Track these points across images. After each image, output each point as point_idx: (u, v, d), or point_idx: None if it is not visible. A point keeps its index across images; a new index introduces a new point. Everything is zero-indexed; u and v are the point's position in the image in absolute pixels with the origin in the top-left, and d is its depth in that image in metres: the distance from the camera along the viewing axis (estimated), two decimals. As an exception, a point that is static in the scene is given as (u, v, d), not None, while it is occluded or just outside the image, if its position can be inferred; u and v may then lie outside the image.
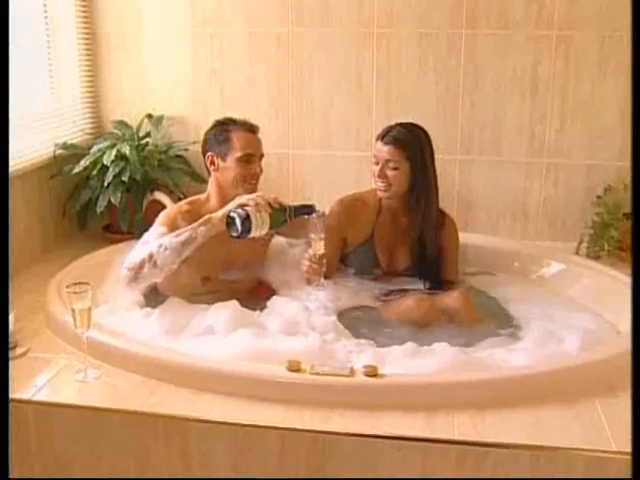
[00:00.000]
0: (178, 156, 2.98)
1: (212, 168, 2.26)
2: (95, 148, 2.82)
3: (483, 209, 2.94)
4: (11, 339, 1.93)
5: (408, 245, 2.40)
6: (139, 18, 2.99)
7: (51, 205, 2.83)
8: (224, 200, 2.19)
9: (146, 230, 2.20)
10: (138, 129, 2.96)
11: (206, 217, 2.10)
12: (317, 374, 1.71)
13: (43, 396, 1.74)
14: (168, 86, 3.04)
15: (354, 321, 2.19)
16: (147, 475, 1.69)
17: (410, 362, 1.83)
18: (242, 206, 2.03)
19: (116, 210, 2.77)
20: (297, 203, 2.13)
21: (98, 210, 2.76)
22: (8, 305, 1.67)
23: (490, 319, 2.22)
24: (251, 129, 2.26)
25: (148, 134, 2.96)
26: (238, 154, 2.20)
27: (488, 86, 2.83)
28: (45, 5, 2.83)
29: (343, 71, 2.90)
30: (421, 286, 2.39)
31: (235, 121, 2.27)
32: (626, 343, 1.56)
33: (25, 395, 1.72)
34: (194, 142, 2.84)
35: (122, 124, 3.00)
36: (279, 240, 2.52)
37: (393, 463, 1.57)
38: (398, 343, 1.96)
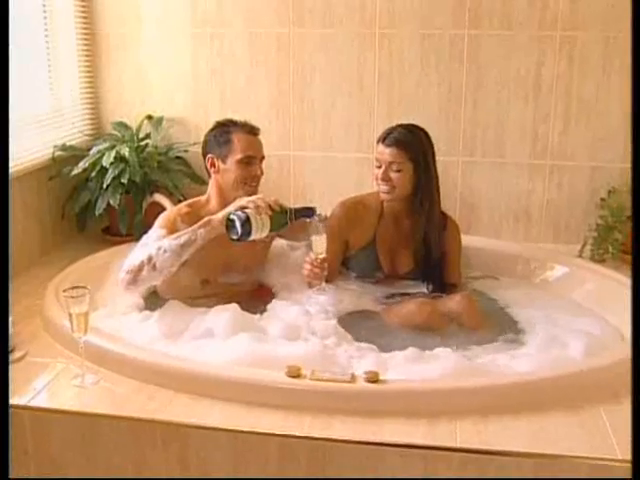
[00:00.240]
0: (178, 157, 2.97)
1: (212, 170, 2.24)
2: (94, 150, 2.81)
3: (486, 211, 2.92)
4: (9, 342, 1.91)
5: (410, 248, 2.38)
6: (139, 19, 2.97)
7: (50, 207, 2.81)
8: (224, 202, 2.18)
9: (145, 232, 2.18)
10: (138, 130, 2.94)
11: (206, 219, 2.08)
12: (317, 380, 1.69)
13: (40, 401, 1.72)
14: (168, 87, 3.03)
15: (356, 325, 2.16)
16: (145, 482, 1.67)
17: (412, 368, 1.81)
18: (242, 208, 2.01)
19: (115, 212, 2.76)
20: (298, 205, 2.12)
21: (97, 212, 2.74)
22: (8, 309, 1.66)
23: (493, 323, 2.20)
24: (252, 131, 2.25)
25: (148, 135, 2.95)
26: (238, 156, 2.18)
27: (491, 87, 2.81)
28: (44, 5, 2.82)
29: (344, 72, 2.88)
30: (423, 289, 2.38)
31: (236, 123, 2.25)
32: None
33: (22, 400, 1.70)
34: (194, 143, 2.83)
35: (122, 125, 2.98)
36: (280, 243, 2.51)
37: (394, 471, 1.55)
38: (400, 347, 1.94)
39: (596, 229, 2.67)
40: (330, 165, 2.98)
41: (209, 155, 2.23)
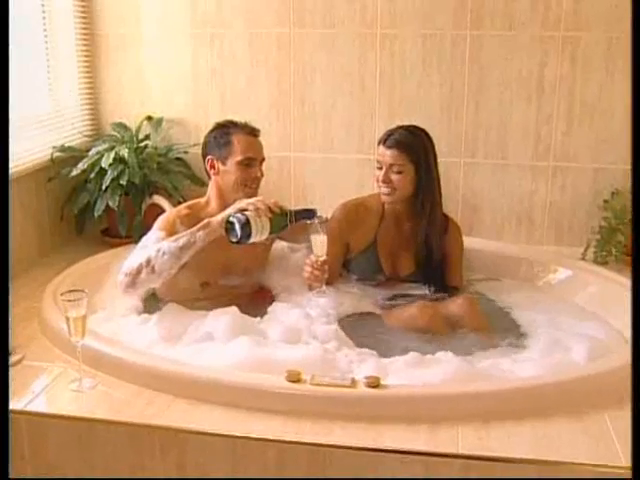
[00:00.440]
0: (178, 159, 2.95)
1: (212, 172, 2.22)
2: (93, 151, 2.80)
3: (488, 213, 2.91)
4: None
5: (411, 250, 2.36)
6: (138, 19, 2.96)
7: (48, 208, 2.80)
8: (224, 204, 2.16)
9: (145, 234, 2.17)
10: (137, 131, 2.93)
11: (205, 221, 2.06)
12: (318, 385, 1.67)
13: (37, 406, 1.70)
14: (168, 88, 3.02)
15: (356, 328, 2.15)
16: (142, 488, 1.66)
17: (413, 372, 1.79)
18: (242, 211, 1.99)
19: (114, 214, 2.74)
20: (298, 207, 2.10)
21: (96, 214, 2.72)
22: (8, 313, 1.64)
23: (495, 327, 2.18)
24: (252, 132, 2.23)
25: (147, 136, 2.94)
26: (238, 158, 2.17)
27: (493, 88, 2.79)
28: (43, 5, 2.80)
29: (345, 72, 2.87)
30: (425, 292, 2.36)
31: (236, 124, 2.24)
32: (635, 353, 1.52)
33: (18, 405, 1.68)
34: (194, 145, 2.81)
35: (121, 126, 2.97)
36: (280, 245, 2.49)
37: (395, 477, 1.53)
38: (401, 351, 1.93)
39: (599, 231, 2.65)
40: (331, 166, 2.96)
41: (209, 157, 2.22)
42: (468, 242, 2.48)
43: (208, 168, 2.23)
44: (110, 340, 1.93)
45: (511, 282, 2.53)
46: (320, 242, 2.06)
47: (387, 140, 2.24)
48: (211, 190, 2.25)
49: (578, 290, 2.42)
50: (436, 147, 2.29)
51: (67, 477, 1.69)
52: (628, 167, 2.69)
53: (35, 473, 1.70)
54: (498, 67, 2.76)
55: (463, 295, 2.26)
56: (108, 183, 2.68)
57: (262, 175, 2.22)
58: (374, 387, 1.66)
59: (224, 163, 2.19)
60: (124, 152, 2.72)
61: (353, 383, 1.68)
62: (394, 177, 2.23)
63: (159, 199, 2.76)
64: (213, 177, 2.23)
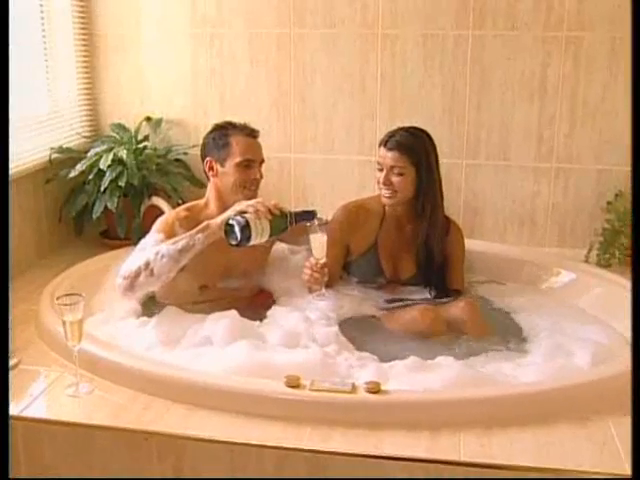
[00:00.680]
0: (177, 160, 2.94)
1: (211, 173, 2.20)
2: (92, 152, 2.78)
3: (490, 215, 2.89)
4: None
5: (413, 253, 2.34)
6: (137, 19, 2.94)
7: (47, 210, 2.78)
8: (223, 206, 2.15)
9: (144, 236, 2.15)
10: (136, 132, 2.91)
11: (204, 224, 2.04)
12: (317, 390, 1.65)
13: (32, 411, 1.68)
14: (167, 88, 3.00)
15: (357, 332, 2.13)
16: (139, 495, 1.63)
17: (414, 377, 1.77)
18: (241, 213, 1.98)
19: (113, 216, 2.72)
20: (298, 209, 2.08)
21: (94, 216, 2.71)
22: (8, 318, 1.62)
23: (497, 331, 2.16)
24: (251, 133, 2.21)
25: (146, 137, 2.92)
26: (237, 159, 2.15)
27: (495, 89, 2.77)
28: (42, 5, 2.79)
29: (346, 73, 2.85)
30: (426, 295, 2.34)
31: (235, 125, 2.22)
32: None
33: (14, 410, 1.66)
34: (193, 146, 2.79)
35: (120, 127, 2.95)
36: (280, 247, 2.48)
37: (396, 485, 1.51)
38: (402, 355, 1.90)
39: (602, 233, 2.63)
40: (331, 168, 2.94)
41: (207, 158, 2.20)
42: (470, 244, 2.46)
43: (207, 170, 2.21)
44: (107, 344, 1.91)
45: (513, 285, 2.51)
46: (319, 242, 2.04)
47: (388, 142, 2.21)
48: (210, 192, 2.23)
49: (581, 293, 2.40)
50: (437, 148, 2.27)
51: (68, 477, 1.67)
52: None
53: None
54: (500, 67, 2.74)
55: (465, 298, 2.24)
56: (106, 185, 2.66)
57: (261, 177, 2.20)
58: (374, 393, 1.64)
59: (223, 165, 2.17)
60: (123, 153, 2.71)
61: (353, 389, 1.66)
62: (395, 179, 2.21)
63: (158, 201, 2.74)
64: (212, 179, 2.21)
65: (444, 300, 2.28)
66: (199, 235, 2.02)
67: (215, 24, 2.88)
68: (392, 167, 2.20)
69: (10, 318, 1.97)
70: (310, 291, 2.19)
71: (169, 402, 1.69)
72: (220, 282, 2.25)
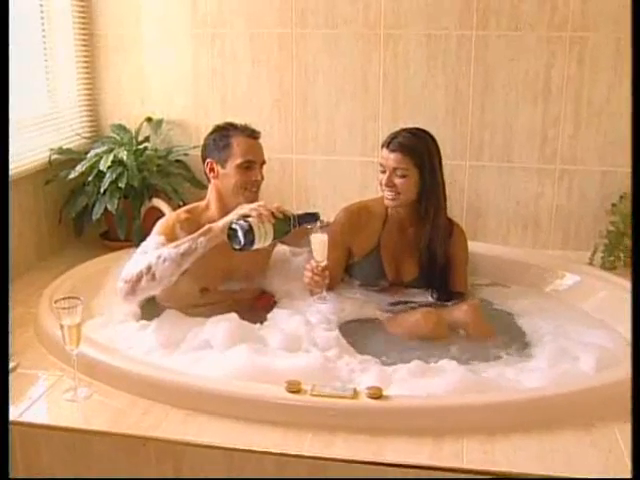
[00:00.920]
0: (178, 161, 2.92)
1: (211, 175, 2.18)
2: (92, 153, 2.76)
3: (493, 217, 2.86)
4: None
5: (415, 255, 2.33)
6: (138, 19, 2.93)
7: (46, 211, 2.77)
8: (224, 208, 2.13)
9: (145, 238, 2.13)
10: (137, 133, 2.89)
11: (206, 227, 2.02)
12: (318, 396, 1.63)
13: (30, 416, 1.66)
14: (168, 89, 2.98)
15: (358, 335, 2.12)
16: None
17: (416, 382, 1.75)
18: (244, 217, 1.96)
19: (113, 217, 2.70)
20: (301, 212, 2.06)
21: (94, 217, 2.69)
22: (8, 321, 1.60)
23: (501, 334, 2.14)
24: (252, 134, 2.19)
25: (147, 138, 2.91)
26: (238, 160, 2.13)
27: (499, 89, 2.75)
28: (41, 5, 2.77)
29: (348, 73, 2.83)
30: (429, 298, 2.33)
31: (235, 126, 2.20)
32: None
33: (11, 415, 1.63)
34: (194, 147, 2.77)
35: (120, 128, 2.94)
36: (282, 248, 2.46)
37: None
38: (404, 359, 1.89)
39: (607, 236, 2.61)
40: (333, 169, 2.92)
41: (208, 160, 2.18)
42: (473, 246, 2.44)
43: (208, 171, 2.19)
44: (106, 348, 1.89)
45: (517, 288, 2.49)
46: (320, 242, 2.02)
47: (391, 143, 2.20)
48: (211, 194, 2.21)
49: (585, 296, 2.37)
50: (441, 150, 2.25)
51: (69, 477, 1.65)
52: (637, 170, 2.64)
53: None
54: (504, 68, 2.72)
55: (468, 301, 2.22)
56: (107, 186, 2.65)
57: (262, 178, 2.18)
58: (376, 398, 1.62)
59: (224, 166, 2.15)
60: (123, 154, 2.69)
61: (355, 394, 1.64)
62: (398, 181, 2.19)
63: (158, 202, 2.72)
64: (213, 180, 2.19)
65: (447, 303, 2.27)
66: (201, 239, 1.99)
67: (216, 24, 2.86)
68: (395, 169, 2.18)
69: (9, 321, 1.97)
70: (311, 294, 2.17)
71: (168, 407, 1.68)
72: (221, 285, 2.23)
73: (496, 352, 2.01)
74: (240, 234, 1.90)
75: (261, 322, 2.11)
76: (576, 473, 1.45)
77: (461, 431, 1.57)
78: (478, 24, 2.69)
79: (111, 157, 2.67)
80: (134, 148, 2.80)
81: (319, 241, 2.02)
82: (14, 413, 1.65)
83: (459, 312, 2.14)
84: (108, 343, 1.94)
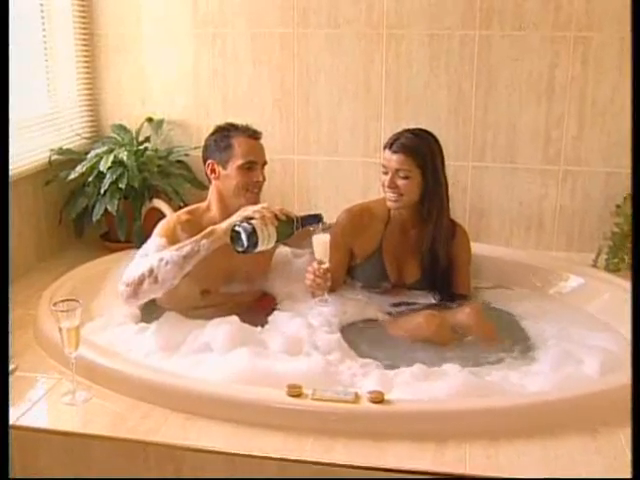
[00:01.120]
0: (178, 162, 2.91)
1: (213, 176, 2.17)
2: (92, 153, 2.75)
3: (496, 218, 2.85)
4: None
5: (418, 257, 2.31)
6: (139, 18, 2.92)
7: (46, 212, 2.76)
8: (225, 209, 2.12)
9: (145, 239, 2.12)
10: (137, 133, 2.88)
11: (209, 229, 2.00)
12: (319, 400, 1.62)
13: (28, 420, 1.65)
14: (169, 89, 2.97)
15: (360, 337, 2.10)
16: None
17: (419, 386, 1.74)
18: (247, 219, 1.94)
19: (114, 218, 2.69)
20: (303, 213, 2.06)
21: (94, 218, 2.68)
22: (8, 323, 1.59)
23: (504, 337, 2.12)
24: (253, 135, 2.17)
25: (147, 139, 2.90)
26: (239, 161, 2.11)
27: (502, 89, 2.73)
28: (42, 5, 2.76)
29: (350, 74, 2.82)
30: (431, 300, 2.31)
31: (236, 127, 2.18)
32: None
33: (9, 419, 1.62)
34: (195, 147, 2.76)
35: (121, 128, 2.92)
36: (283, 250, 2.45)
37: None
38: (406, 362, 1.88)
39: (611, 237, 2.59)
40: (335, 170, 2.91)
41: (209, 160, 2.16)
42: (476, 248, 2.42)
43: (209, 172, 2.17)
44: (106, 351, 1.88)
45: (520, 290, 2.47)
46: (322, 243, 2.01)
47: (393, 144, 2.18)
48: (212, 195, 2.19)
49: (589, 299, 2.36)
50: (443, 150, 2.23)
51: (69, 477, 1.63)
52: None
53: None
54: (507, 68, 2.70)
55: (470, 304, 2.21)
56: (107, 187, 2.63)
57: (264, 179, 2.17)
58: (378, 402, 1.60)
59: (225, 167, 2.13)
60: (123, 155, 2.68)
61: (356, 398, 1.62)
62: (400, 182, 2.17)
63: (159, 203, 2.71)
64: (214, 181, 2.18)
65: (450, 305, 2.25)
66: (204, 241, 1.97)
67: (217, 24, 2.85)
68: (397, 170, 2.17)
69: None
70: (313, 296, 2.16)
71: (168, 411, 1.66)
72: (222, 287, 2.22)
73: (499, 355, 1.99)
74: (243, 236, 1.88)
75: (262, 325, 2.09)
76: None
77: (464, 436, 1.56)
78: (481, 24, 2.67)
79: (111, 158, 2.66)
80: (135, 148, 2.79)
81: (321, 242, 2.01)
82: (12, 416, 1.63)
83: (462, 314, 2.12)
84: (107, 346, 1.92)
